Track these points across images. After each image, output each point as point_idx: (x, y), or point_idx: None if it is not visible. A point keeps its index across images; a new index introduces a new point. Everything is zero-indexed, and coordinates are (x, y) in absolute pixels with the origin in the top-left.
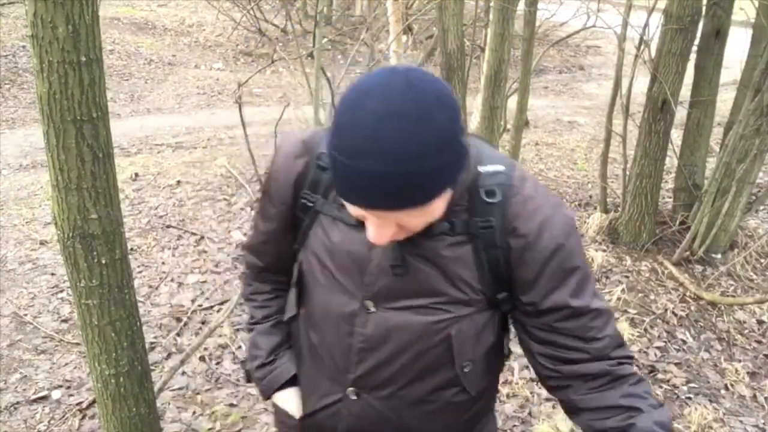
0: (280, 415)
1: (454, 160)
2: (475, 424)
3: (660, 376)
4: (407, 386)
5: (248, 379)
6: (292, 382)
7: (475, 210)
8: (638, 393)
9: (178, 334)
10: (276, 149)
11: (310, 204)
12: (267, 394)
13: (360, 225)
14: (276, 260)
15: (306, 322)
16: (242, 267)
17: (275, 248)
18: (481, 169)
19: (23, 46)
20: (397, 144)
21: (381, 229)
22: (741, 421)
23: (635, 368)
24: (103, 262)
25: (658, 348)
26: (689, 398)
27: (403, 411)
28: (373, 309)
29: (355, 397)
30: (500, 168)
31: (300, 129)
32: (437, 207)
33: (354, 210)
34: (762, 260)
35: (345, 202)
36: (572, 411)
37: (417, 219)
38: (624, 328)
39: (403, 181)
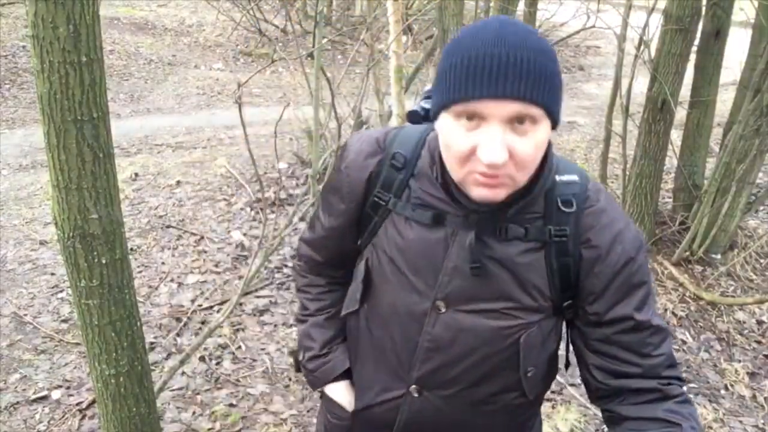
0: (330, 406)
1: (560, 85)
2: (526, 421)
3: None
4: (470, 387)
5: (297, 369)
6: (344, 375)
7: (550, 218)
8: (682, 412)
9: (177, 334)
10: (346, 146)
11: (383, 203)
12: (317, 386)
13: (435, 225)
14: (335, 256)
15: (368, 318)
16: (296, 258)
17: (337, 244)
18: (558, 178)
19: (23, 46)
20: (521, 39)
21: (495, 140)
22: (741, 422)
23: (685, 389)
24: (104, 262)
25: None
26: None
27: (463, 410)
28: (443, 309)
29: (417, 395)
30: (575, 178)
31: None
32: (543, 135)
33: (466, 117)
34: (762, 260)
35: (458, 107)
36: (613, 421)
37: (527, 141)
38: None
39: (524, 64)
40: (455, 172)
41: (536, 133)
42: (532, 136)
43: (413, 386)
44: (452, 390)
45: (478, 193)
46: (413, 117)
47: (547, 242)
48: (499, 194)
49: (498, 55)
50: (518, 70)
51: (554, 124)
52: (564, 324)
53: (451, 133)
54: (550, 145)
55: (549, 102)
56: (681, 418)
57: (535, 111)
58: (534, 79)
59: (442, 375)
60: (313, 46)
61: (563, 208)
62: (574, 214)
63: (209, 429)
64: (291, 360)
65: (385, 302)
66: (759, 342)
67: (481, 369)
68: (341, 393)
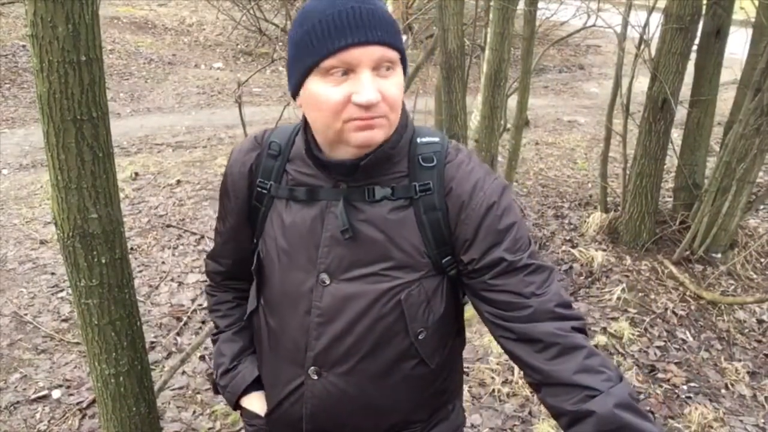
0: (248, 418)
1: (403, 44)
2: (439, 404)
3: (660, 375)
4: (366, 359)
5: (215, 391)
6: (255, 385)
7: (414, 175)
8: (593, 367)
9: (178, 334)
10: (231, 153)
11: (265, 191)
12: (233, 401)
13: (310, 201)
14: (236, 261)
15: (266, 311)
16: (206, 279)
17: (235, 245)
18: (419, 140)
19: (23, 46)
20: None
21: (368, 82)
22: (741, 421)
23: (587, 339)
24: (103, 261)
25: (658, 347)
26: (689, 397)
27: (364, 386)
28: (328, 281)
29: (316, 377)
30: (436, 139)
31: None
32: (401, 79)
33: (338, 70)
34: (762, 259)
35: (328, 61)
36: (534, 386)
37: (391, 83)
38: (624, 327)
39: (376, 14)
40: (331, 128)
41: (396, 76)
42: (393, 78)
43: (311, 368)
44: (349, 364)
45: (359, 137)
46: None
47: (414, 198)
48: (377, 135)
49: (353, 8)
50: (375, 19)
51: (405, 72)
52: (453, 287)
53: (322, 90)
54: (404, 103)
55: (401, 46)
56: (594, 377)
57: (393, 55)
58: (389, 27)
59: (336, 349)
60: None
61: (424, 164)
62: (436, 169)
63: (209, 428)
64: (210, 383)
65: (276, 288)
66: (759, 341)
67: (372, 336)
68: (255, 403)
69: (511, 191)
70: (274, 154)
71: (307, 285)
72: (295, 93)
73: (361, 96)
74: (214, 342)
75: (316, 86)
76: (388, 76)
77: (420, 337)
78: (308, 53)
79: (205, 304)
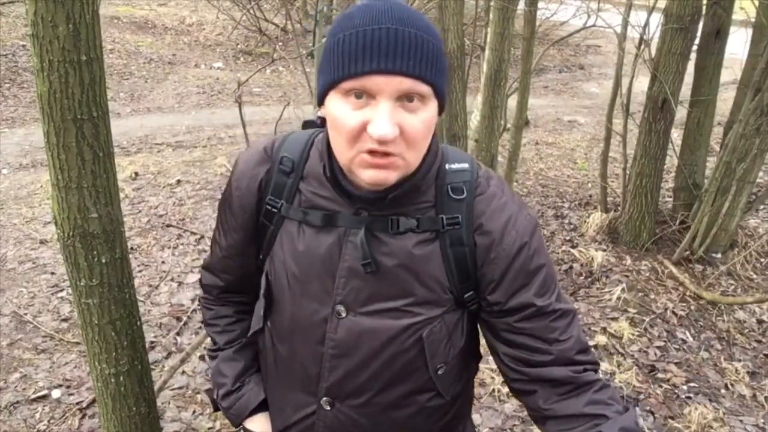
0: None
1: (446, 66)
2: (450, 428)
3: (660, 375)
4: (381, 392)
5: (215, 408)
6: (260, 406)
7: (441, 207)
8: (603, 400)
9: (178, 334)
10: (236, 161)
11: (275, 210)
12: (237, 422)
13: (327, 226)
14: (239, 277)
15: (274, 335)
16: (200, 291)
17: (239, 262)
18: (448, 166)
19: (23, 46)
20: (408, 17)
21: (385, 115)
22: (741, 421)
23: (600, 375)
24: (103, 261)
25: (658, 347)
26: (689, 398)
27: (377, 418)
28: (344, 314)
29: (329, 408)
30: (466, 166)
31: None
32: (431, 114)
33: (355, 95)
34: (762, 259)
35: (347, 84)
36: (538, 419)
37: (416, 118)
38: (624, 327)
39: (414, 41)
40: (344, 155)
41: (425, 111)
42: (421, 113)
43: (324, 399)
44: (364, 398)
45: (368, 175)
46: (309, 126)
47: (441, 232)
48: (391, 176)
49: (387, 30)
50: (408, 46)
51: (441, 107)
52: (472, 318)
53: (339, 111)
54: (435, 131)
55: (437, 81)
56: (604, 407)
57: (424, 89)
58: (423, 56)
59: (351, 382)
60: (313, 45)
61: (454, 196)
62: (465, 201)
63: (209, 428)
64: (208, 399)
65: (286, 315)
66: (759, 341)
67: (389, 371)
68: (260, 425)
69: (540, 229)
70: (287, 171)
71: (320, 315)
72: (320, 102)
73: (374, 129)
74: (211, 358)
75: (335, 105)
76: (414, 109)
77: (439, 372)
78: (332, 67)
79: None
